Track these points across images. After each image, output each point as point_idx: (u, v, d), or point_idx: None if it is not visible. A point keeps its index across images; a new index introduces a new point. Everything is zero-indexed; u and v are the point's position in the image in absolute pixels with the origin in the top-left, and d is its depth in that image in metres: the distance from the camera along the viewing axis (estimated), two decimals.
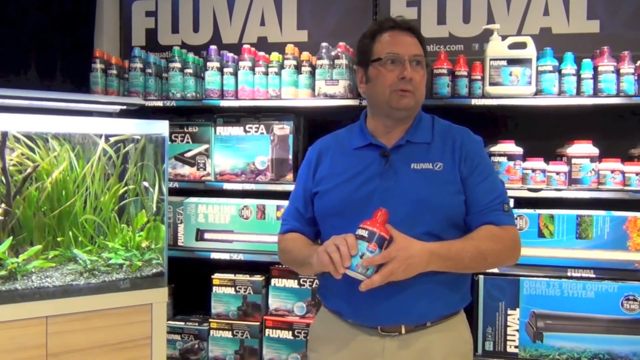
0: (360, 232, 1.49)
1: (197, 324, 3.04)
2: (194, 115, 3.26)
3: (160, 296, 2.38)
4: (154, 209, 2.45)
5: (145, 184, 2.42)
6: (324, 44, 3.04)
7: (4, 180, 2.14)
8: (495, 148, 2.85)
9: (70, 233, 2.28)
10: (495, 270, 2.72)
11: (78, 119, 2.24)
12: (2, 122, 2.08)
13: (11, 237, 2.14)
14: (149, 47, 3.58)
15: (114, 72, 3.21)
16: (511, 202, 2.72)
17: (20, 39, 2.98)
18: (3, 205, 2.14)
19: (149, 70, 3.18)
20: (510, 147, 2.83)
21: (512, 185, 2.79)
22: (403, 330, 1.65)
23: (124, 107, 2.56)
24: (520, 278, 2.72)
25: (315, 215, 1.78)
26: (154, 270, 2.42)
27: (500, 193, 1.70)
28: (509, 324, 2.73)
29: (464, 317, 1.79)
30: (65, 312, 2.18)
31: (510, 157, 2.81)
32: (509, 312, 2.73)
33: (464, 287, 1.75)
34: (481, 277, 2.76)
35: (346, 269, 1.47)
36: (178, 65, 3.13)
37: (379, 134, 1.74)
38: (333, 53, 3.00)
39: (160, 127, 2.42)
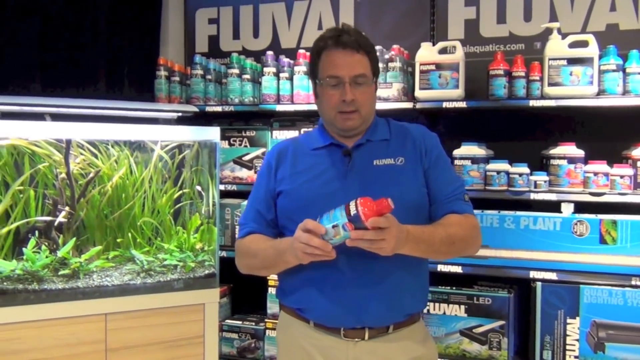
0: (352, 207, 1.45)
1: (253, 324, 3.12)
2: (252, 120, 3.34)
3: (212, 296, 2.47)
4: (207, 212, 2.53)
5: (199, 188, 2.51)
6: (377, 47, 3.02)
7: (68, 185, 2.29)
8: (555, 151, 2.75)
9: (129, 235, 2.40)
10: (554, 278, 2.64)
11: (136, 126, 2.36)
12: (67, 130, 2.23)
13: (75, 238, 2.28)
14: (212, 54, 3.69)
15: (177, 79, 3.34)
16: (571, 207, 2.69)
17: (90, 51, 3.16)
18: (67, 208, 2.28)
19: (209, 77, 3.29)
20: (571, 149, 2.73)
21: (572, 189, 2.69)
22: (366, 336, 1.64)
23: (180, 114, 2.66)
24: (581, 286, 2.61)
25: (277, 216, 1.77)
26: (207, 272, 2.50)
27: (460, 184, 1.79)
28: (568, 333, 2.63)
29: (424, 324, 1.82)
30: (123, 310, 2.30)
31: (571, 160, 2.71)
32: (569, 320, 2.63)
33: (424, 288, 1.78)
34: (539, 284, 2.67)
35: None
36: (236, 71, 3.22)
37: (339, 138, 1.76)
38: (387, 56, 2.99)
39: (213, 133, 2.50)
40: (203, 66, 3.32)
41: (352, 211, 1.44)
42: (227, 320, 3.16)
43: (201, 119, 3.39)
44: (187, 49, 3.81)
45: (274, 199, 1.77)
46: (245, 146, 3.24)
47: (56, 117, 2.39)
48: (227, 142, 3.26)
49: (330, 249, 1.49)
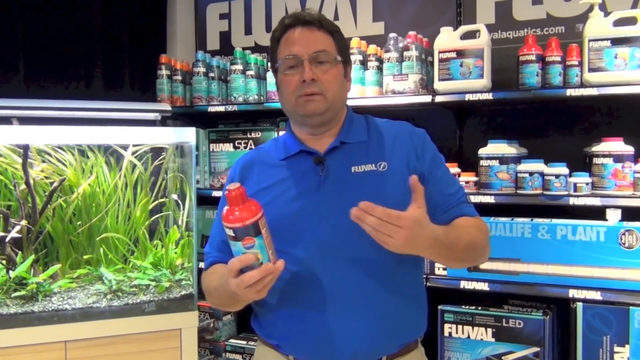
0: (227, 231, 1.23)
1: None
2: (260, 120, 3.08)
3: (189, 321, 2.17)
4: (185, 223, 2.26)
5: (174, 197, 2.24)
6: (391, 35, 2.71)
7: (30, 195, 2.06)
8: (599, 147, 2.35)
9: (100, 250, 2.15)
10: (598, 297, 2.24)
11: (103, 128, 2.10)
12: (24, 135, 2.00)
13: (33, 256, 2.05)
14: (223, 51, 3.48)
15: (179, 78, 3.11)
16: (618, 214, 2.28)
17: (85, 46, 2.96)
18: (24, 221, 2.06)
19: (211, 74, 3.04)
20: (617, 145, 2.32)
21: (619, 193, 2.28)
22: None
23: (160, 114, 2.40)
24: (631, 307, 2.20)
25: None
26: (183, 292, 2.22)
27: (459, 185, 1.57)
28: None
29: (422, 352, 1.58)
30: (86, 337, 2.04)
31: (618, 159, 2.30)
32: (616, 349, 2.22)
33: (421, 311, 1.54)
34: (579, 304, 2.28)
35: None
36: (240, 67, 2.96)
37: (309, 141, 1.52)
38: (401, 44, 2.66)
39: (188, 135, 2.23)
40: (206, 63, 3.07)
41: (230, 233, 1.22)
42: (231, 340, 2.90)
43: (204, 120, 3.16)
44: (198, 47, 3.60)
45: None
46: (251, 148, 2.97)
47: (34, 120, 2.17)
48: (231, 144, 3.00)
49: (271, 266, 1.24)
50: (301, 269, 1.37)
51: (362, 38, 2.92)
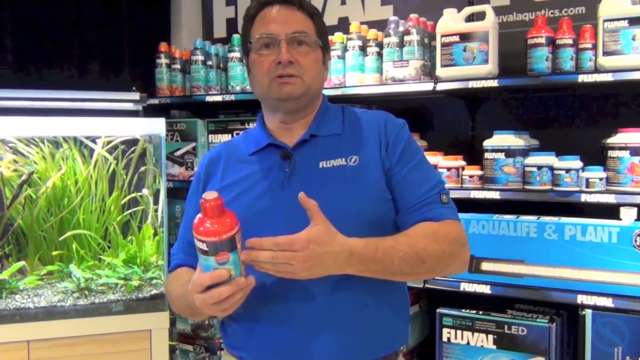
0: (198, 244, 1.11)
1: None
2: (258, 109, 2.96)
3: (160, 321, 2.07)
4: (157, 219, 2.15)
5: (146, 191, 2.14)
6: (392, 18, 2.55)
7: None
8: (614, 139, 2.13)
9: (71, 246, 2.07)
10: (609, 304, 2.04)
11: (69, 119, 2.02)
12: None
13: None
14: (230, 39, 3.36)
15: (178, 67, 3.02)
16: (634, 212, 2.07)
17: (80, 35, 2.89)
18: None
19: (209, 63, 2.94)
20: (634, 137, 2.10)
21: (635, 189, 2.07)
22: None
23: (140, 104, 2.30)
24: None
25: None
26: (153, 292, 2.11)
27: (436, 182, 1.38)
28: None
29: None
30: (50, 337, 1.97)
31: (635, 152, 2.08)
32: None
33: (401, 319, 1.40)
34: (588, 311, 2.08)
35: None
36: (237, 54, 2.85)
37: (279, 133, 1.41)
38: (402, 28, 2.49)
39: (157, 126, 2.12)
40: (204, 51, 2.97)
41: (202, 246, 1.10)
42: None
43: (204, 110, 3.07)
44: (204, 35, 3.50)
45: None
46: None
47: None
48: (230, 135, 2.89)
49: (244, 280, 1.15)
50: (265, 276, 1.24)
51: (369, 23, 2.77)
